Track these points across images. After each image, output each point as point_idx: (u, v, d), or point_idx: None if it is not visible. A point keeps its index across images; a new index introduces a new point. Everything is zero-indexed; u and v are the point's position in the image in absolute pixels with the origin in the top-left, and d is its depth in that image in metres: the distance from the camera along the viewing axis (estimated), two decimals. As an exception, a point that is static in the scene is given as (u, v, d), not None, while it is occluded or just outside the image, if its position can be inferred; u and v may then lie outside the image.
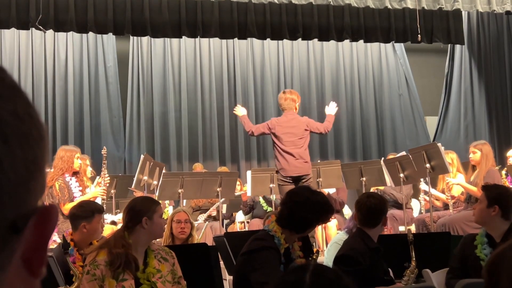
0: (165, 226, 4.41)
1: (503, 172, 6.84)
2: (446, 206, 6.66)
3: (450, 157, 6.58)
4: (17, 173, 0.44)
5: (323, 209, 3.20)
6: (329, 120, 6.49)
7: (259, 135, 6.57)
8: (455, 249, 3.51)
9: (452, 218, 6.16)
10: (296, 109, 6.27)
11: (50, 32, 8.75)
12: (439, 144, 6.33)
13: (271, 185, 6.85)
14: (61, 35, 9.24)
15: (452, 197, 6.49)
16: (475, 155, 6.38)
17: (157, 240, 3.98)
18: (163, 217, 3.39)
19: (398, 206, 7.12)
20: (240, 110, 6.59)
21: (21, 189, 0.45)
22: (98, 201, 6.03)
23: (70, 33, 9.05)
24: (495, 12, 9.33)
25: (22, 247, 0.46)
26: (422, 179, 6.73)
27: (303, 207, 3.14)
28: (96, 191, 5.82)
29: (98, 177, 6.13)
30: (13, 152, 0.44)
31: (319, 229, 6.66)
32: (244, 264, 3.14)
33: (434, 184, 6.83)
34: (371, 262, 3.43)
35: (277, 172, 6.21)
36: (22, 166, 0.45)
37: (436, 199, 6.77)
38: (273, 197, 6.96)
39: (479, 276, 2.26)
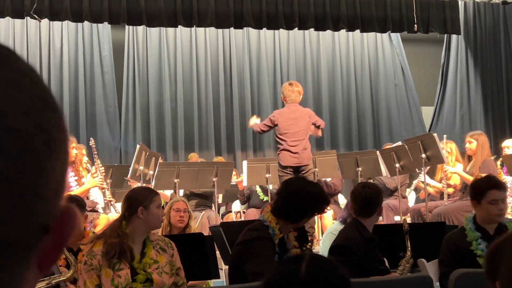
0: (164, 216, 4.41)
1: (498, 162, 6.86)
2: (442, 196, 6.69)
3: (449, 147, 6.60)
4: (56, 181, 0.46)
5: (318, 199, 3.20)
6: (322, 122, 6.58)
7: (267, 131, 6.61)
8: (443, 247, 3.48)
9: (448, 208, 6.19)
10: (299, 101, 6.39)
11: (45, 21, 8.71)
12: (434, 134, 6.34)
13: (267, 175, 6.86)
14: (56, 24, 9.19)
15: (448, 185, 6.52)
16: (471, 145, 6.41)
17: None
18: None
19: (390, 193, 7.16)
20: (253, 121, 6.71)
21: (56, 194, 0.47)
22: (97, 191, 6.04)
23: (65, 22, 9.01)
24: (491, 2, 9.34)
25: (42, 246, 0.47)
26: (417, 170, 6.73)
27: (298, 198, 3.15)
28: (94, 181, 5.83)
29: (92, 167, 6.13)
30: (55, 162, 0.46)
31: (314, 219, 6.68)
32: (238, 254, 3.15)
33: (432, 174, 6.85)
34: (366, 252, 3.44)
35: (278, 163, 6.27)
36: (60, 174, 0.47)
37: (433, 187, 6.78)
38: (269, 186, 6.97)
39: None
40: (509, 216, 6.22)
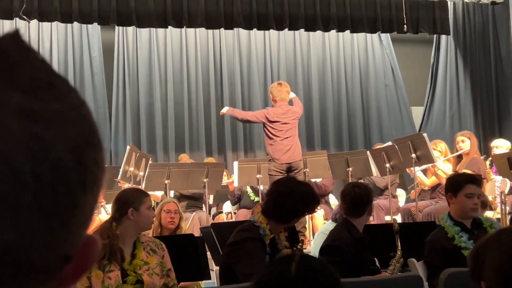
0: (154, 217, 4.40)
1: (488, 162, 6.90)
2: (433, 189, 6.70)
3: (440, 147, 6.64)
4: (84, 214, 0.48)
5: (308, 199, 3.20)
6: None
7: (254, 123, 6.78)
8: (428, 249, 3.51)
9: (438, 208, 6.22)
10: (288, 100, 6.59)
11: (34, 22, 8.67)
12: (424, 134, 6.37)
13: (258, 176, 6.87)
14: (46, 25, 9.15)
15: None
16: (464, 144, 6.45)
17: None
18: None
19: (380, 192, 7.19)
20: (224, 109, 6.93)
21: (82, 227, 0.48)
22: None
23: (55, 23, 8.97)
24: (480, 2, 9.39)
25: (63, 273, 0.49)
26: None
27: (288, 198, 3.15)
28: None
29: None
30: (86, 196, 0.47)
31: (306, 219, 6.70)
32: (229, 255, 3.15)
33: (423, 173, 6.88)
34: (357, 252, 3.45)
35: (269, 160, 6.39)
36: (89, 209, 0.48)
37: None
38: (260, 187, 6.97)
39: (463, 265, 2.28)
40: (497, 215, 6.27)
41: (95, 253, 0.51)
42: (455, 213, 3.52)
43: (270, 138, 6.37)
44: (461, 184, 3.49)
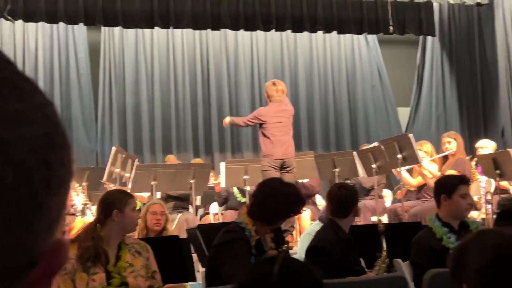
0: (139, 219, 4.38)
1: (473, 162, 6.95)
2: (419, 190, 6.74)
3: (426, 147, 6.68)
4: (50, 217, 0.47)
5: (294, 200, 3.20)
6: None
7: (253, 125, 6.88)
8: (414, 249, 3.53)
9: (424, 208, 6.25)
10: (283, 99, 6.68)
11: (19, 23, 8.62)
12: (410, 135, 6.40)
13: (245, 177, 6.86)
14: (31, 25, 9.08)
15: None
16: (450, 145, 6.49)
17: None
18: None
19: (366, 193, 7.21)
20: (226, 119, 7.06)
21: (49, 230, 0.47)
22: (74, 194, 6.00)
23: (40, 24, 8.91)
24: (465, 4, 9.46)
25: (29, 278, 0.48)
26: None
27: (273, 199, 3.15)
28: None
29: None
30: (52, 197, 0.46)
31: (295, 219, 6.71)
32: (215, 256, 3.14)
33: (409, 173, 6.91)
34: (342, 253, 3.45)
35: (263, 157, 6.48)
36: (55, 210, 0.47)
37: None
38: (247, 188, 6.97)
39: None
40: (482, 216, 6.31)
41: (64, 257, 0.50)
42: (447, 214, 3.54)
43: (266, 137, 6.42)
44: (455, 185, 3.55)
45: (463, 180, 3.63)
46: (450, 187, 3.55)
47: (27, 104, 0.46)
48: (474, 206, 5.50)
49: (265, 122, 6.43)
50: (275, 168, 6.31)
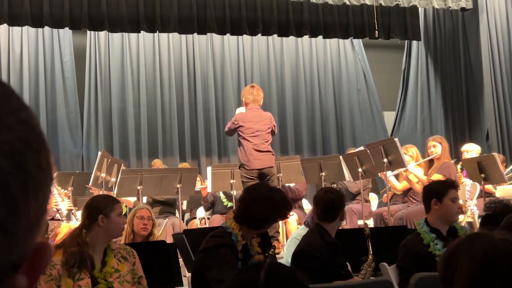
0: (125, 224, 4.36)
1: (459, 166, 7.00)
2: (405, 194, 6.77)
3: (411, 151, 6.71)
4: (29, 221, 0.46)
5: (280, 205, 3.20)
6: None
7: (233, 131, 6.57)
8: (401, 253, 3.53)
9: (409, 212, 6.28)
10: (261, 104, 6.45)
11: (4, 27, 8.55)
12: (396, 139, 6.43)
13: (231, 181, 6.85)
14: (16, 29, 9.02)
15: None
16: (436, 149, 6.53)
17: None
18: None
19: (352, 197, 7.24)
20: None
21: (28, 234, 0.47)
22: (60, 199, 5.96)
23: (25, 27, 8.84)
24: (450, 8, 9.54)
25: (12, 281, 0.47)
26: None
27: (260, 203, 3.14)
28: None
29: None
30: (29, 201, 0.46)
31: (279, 224, 6.70)
32: (201, 261, 3.13)
33: (396, 177, 6.93)
34: (329, 257, 3.46)
35: (240, 166, 6.27)
36: (33, 214, 0.47)
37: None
38: (233, 192, 6.96)
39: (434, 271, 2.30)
40: (469, 219, 6.36)
41: (46, 261, 0.49)
42: (437, 218, 3.55)
43: (241, 144, 6.25)
44: (446, 190, 3.59)
45: (453, 185, 3.68)
46: (440, 191, 3.58)
47: (1, 108, 0.46)
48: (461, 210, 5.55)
49: (241, 126, 6.21)
50: (251, 179, 6.06)
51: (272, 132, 6.40)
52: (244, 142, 6.20)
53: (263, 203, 3.14)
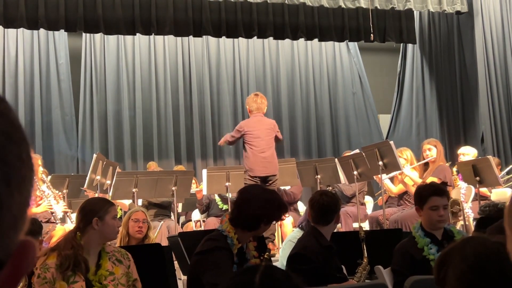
0: (120, 227, 4.35)
1: (454, 169, 7.01)
2: (400, 197, 6.78)
3: (406, 154, 6.72)
4: (12, 215, 0.46)
5: (274, 206, 3.18)
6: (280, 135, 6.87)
7: (235, 142, 6.80)
8: (396, 256, 3.53)
9: (404, 215, 6.29)
10: (264, 112, 6.65)
11: (-1, 28, 8.53)
12: (391, 142, 6.44)
13: (227, 184, 6.84)
14: (11, 31, 9.00)
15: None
16: (431, 152, 6.53)
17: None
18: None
19: (347, 200, 7.25)
20: (221, 140, 7.03)
21: (12, 229, 0.46)
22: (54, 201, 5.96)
23: (21, 30, 8.83)
24: (445, 12, 9.57)
25: None
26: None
27: (254, 205, 3.13)
28: (43, 206, 5.82)
29: (47, 177, 6.03)
30: (12, 195, 0.45)
31: (275, 227, 6.71)
32: (196, 264, 3.12)
33: (391, 180, 6.95)
34: (324, 260, 3.46)
35: (245, 172, 6.44)
36: (17, 208, 0.46)
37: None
38: (229, 195, 6.95)
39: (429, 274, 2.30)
40: (462, 222, 6.36)
41: (32, 257, 0.48)
42: (425, 224, 3.54)
43: (246, 150, 6.43)
44: (426, 197, 3.50)
45: (435, 192, 3.51)
46: (421, 199, 3.52)
47: None
48: (448, 219, 5.54)
49: (246, 133, 6.41)
50: (257, 182, 6.29)
51: (277, 139, 6.56)
52: (248, 147, 6.38)
53: (254, 202, 3.13)
